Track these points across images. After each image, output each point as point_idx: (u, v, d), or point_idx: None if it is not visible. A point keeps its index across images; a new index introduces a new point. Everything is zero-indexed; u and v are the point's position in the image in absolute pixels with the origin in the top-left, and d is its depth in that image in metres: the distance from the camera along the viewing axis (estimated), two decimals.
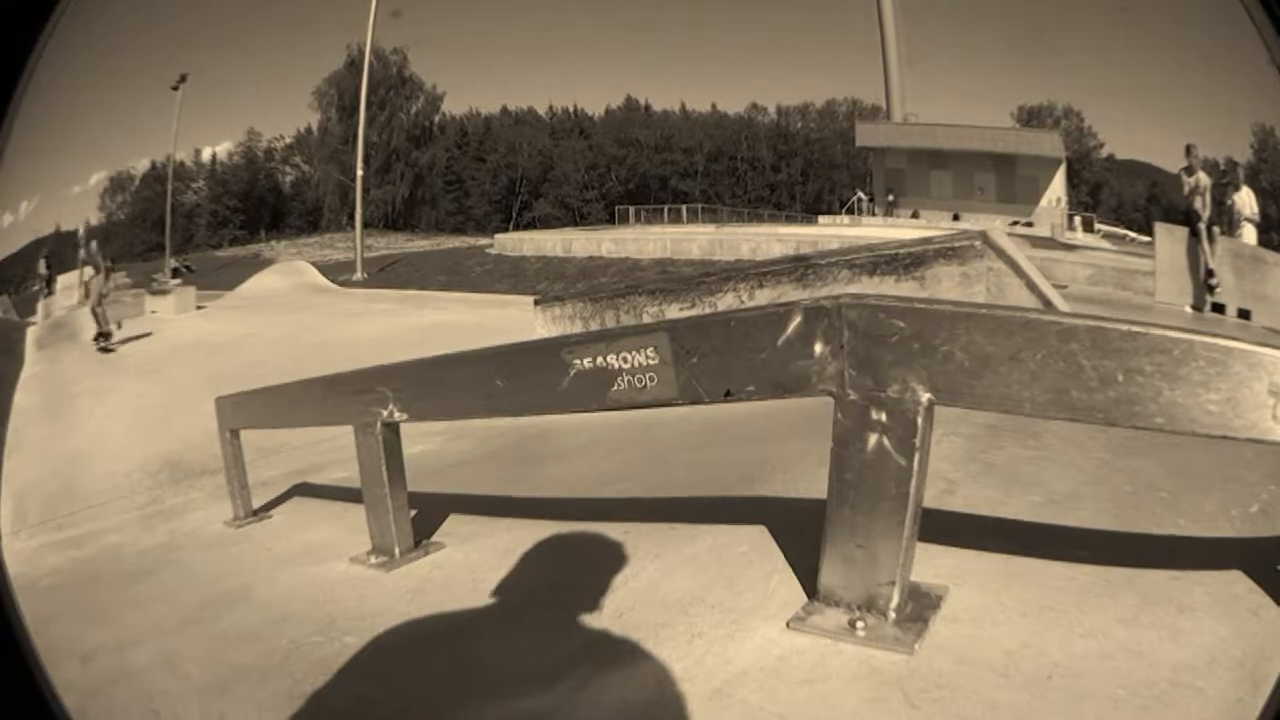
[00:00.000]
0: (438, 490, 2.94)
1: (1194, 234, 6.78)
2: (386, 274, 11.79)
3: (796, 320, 1.51)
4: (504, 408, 1.94)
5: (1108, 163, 13.34)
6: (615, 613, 1.79)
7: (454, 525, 2.59)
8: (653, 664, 1.61)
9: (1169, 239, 7.00)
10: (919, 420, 1.48)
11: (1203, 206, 6.89)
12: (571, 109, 14.39)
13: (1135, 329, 1.42)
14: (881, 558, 1.56)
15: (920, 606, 1.60)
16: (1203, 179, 7.01)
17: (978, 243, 3.01)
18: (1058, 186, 11.47)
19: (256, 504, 3.28)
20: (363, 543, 2.44)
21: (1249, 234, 7.36)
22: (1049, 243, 9.20)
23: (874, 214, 10.77)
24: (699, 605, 1.77)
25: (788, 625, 1.62)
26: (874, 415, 1.51)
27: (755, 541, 2.02)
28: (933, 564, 1.73)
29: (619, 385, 1.70)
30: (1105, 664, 1.49)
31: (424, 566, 2.27)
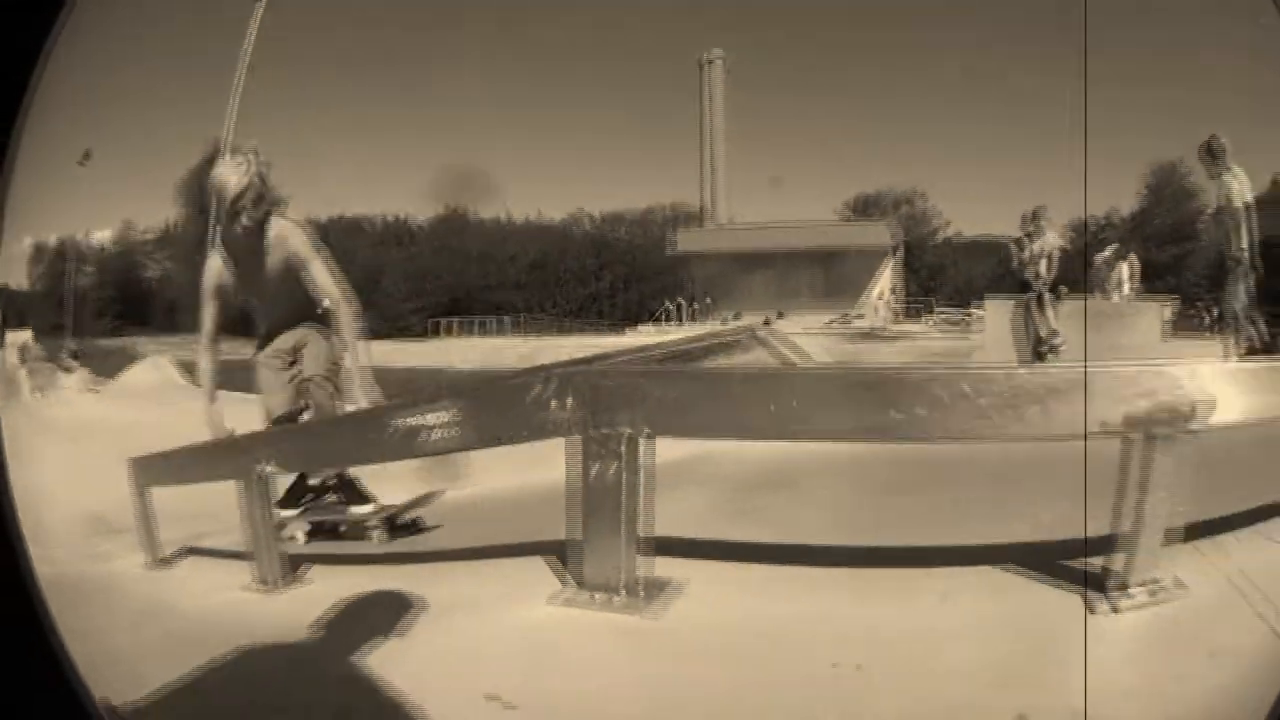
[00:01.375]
0: None
1: (1037, 301, 6.95)
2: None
3: (541, 385, 2.13)
4: (344, 460, 2.50)
5: (952, 243, 13.63)
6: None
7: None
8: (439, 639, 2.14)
9: (997, 311, 7.30)
10: (639, 449, 2.11)
11: (1048, 269, 7.05)
12: (397, 217, 13.82)
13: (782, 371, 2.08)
14: (620, 552, 2.17)
15: (656, 589, 2.20)
16: (1050, 241, 7.17)
17: (745, 337, 3.64)
18: (887, 277, 11.71)
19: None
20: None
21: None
22: (873, 335, 9.53)
23: (694, 319, 10.90)
24: (483, 592, 2.34)
25: (548, 601, 2.20)
26: (606, 447, 2.13)
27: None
28: (680, 569, 2.31)
29: (427, 436, 2.29)
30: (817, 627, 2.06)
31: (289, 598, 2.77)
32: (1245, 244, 5.13)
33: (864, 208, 13.90)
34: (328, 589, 2.76)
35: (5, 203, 1.62)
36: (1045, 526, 2.38)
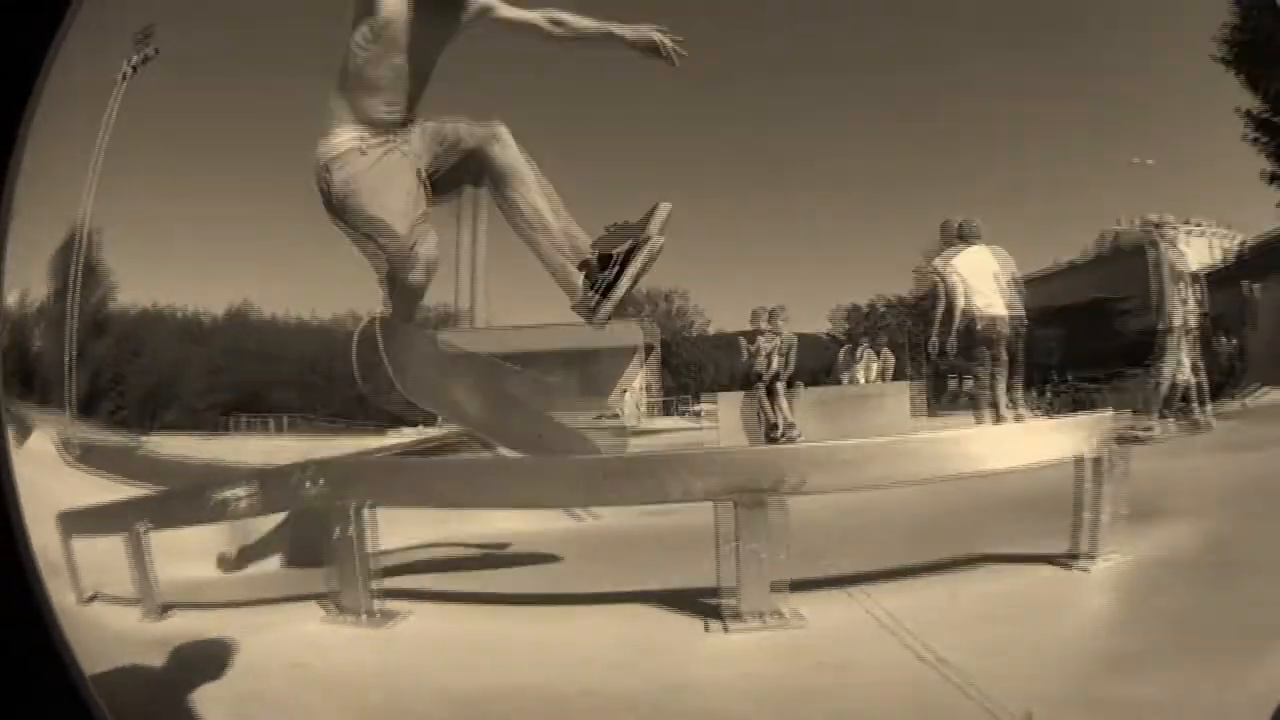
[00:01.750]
0: None
1: (768, 393, 7.18)
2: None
3: (300, 472, 2.97)
4: (187, 520, 3.37)
5: (712, 339, 13.27)
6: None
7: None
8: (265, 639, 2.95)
9: (728, 405, 7.60)
10: (363, 514, 2.93)
11: (783, 364, 7.27)
12: (196, 311, 12.95)
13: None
14: (358, 588, 2.97)
15: (388, 615, 3.01)
16: (785, 337, 7.35)
17: (467, 437, 4.43)
18: (640, 375, 11.65)
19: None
20: None
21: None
22: (626, 431, 9.80)
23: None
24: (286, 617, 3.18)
25: (322, 621, 3.03)
26: (344, 515, 2.95)
27: None
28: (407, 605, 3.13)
29: (236, 505, 3.14)
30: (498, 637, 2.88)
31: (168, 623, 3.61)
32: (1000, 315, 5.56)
33: (620, 307, 13.79)
34: (188, 620, 3.63)
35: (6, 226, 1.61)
36: (691, 576, 3.13)
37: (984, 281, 5.55)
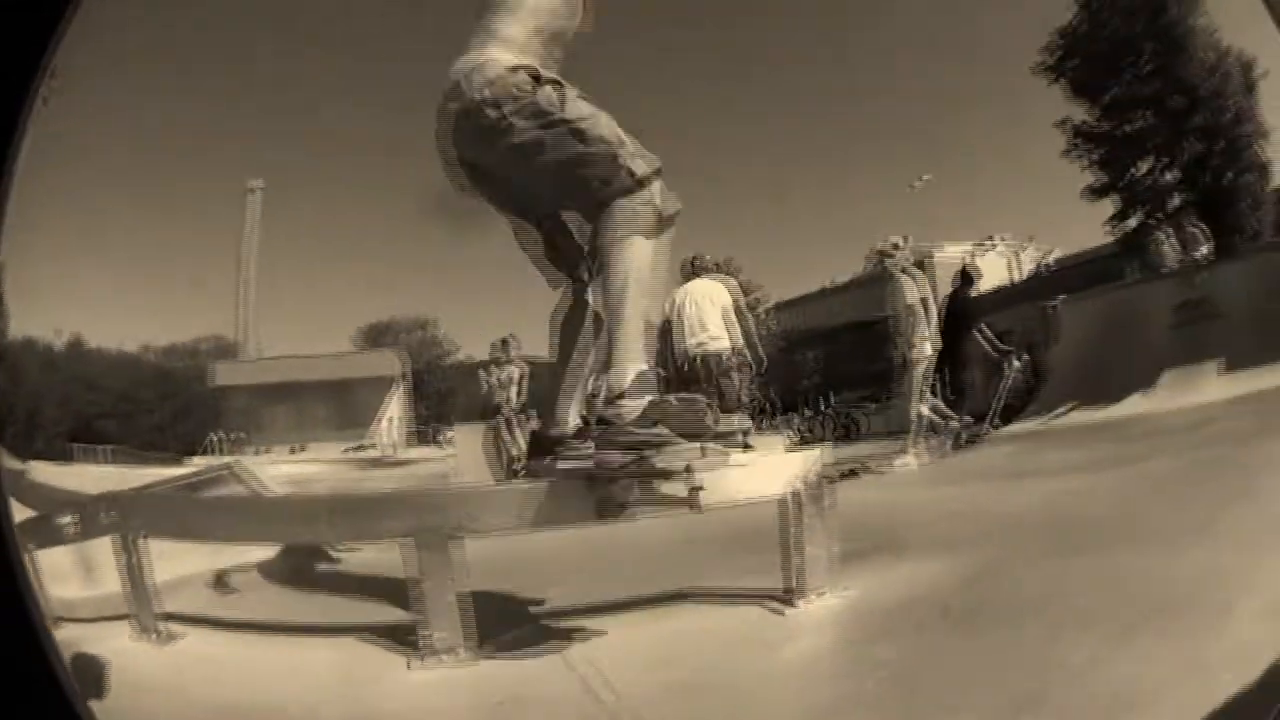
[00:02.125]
0: None
1: (507, 425, 7.18)
2: None
3: (94, 504, 3.53)
4: (48, 543, 4.04)
5: (464, 366, 12.73)
6: None
7: None
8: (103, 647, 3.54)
9: (466, 436, 7.50)
10: (139, 544, 3.44)
11: (517, 394, 7.35)
12: (49, 343, 12.84)
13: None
14: (145, 612, 3.49)
15: (171, 637, 3.50)
16: (519, 367, 7.41)
17: (225, 473, 4.77)
18: (395, 405, 11.79)
19: None
20: None
21: None
22: (380, 462, 9.61)
23: (230, 452, 10.67)
24: (111, 633, 3.73)
25: (129, 639, 3.56)
26: (126, 543, 3.47)
27: None
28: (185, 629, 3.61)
29: (68, 530, 3.76)
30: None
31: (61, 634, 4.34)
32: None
33: (376, 336, 13.55)
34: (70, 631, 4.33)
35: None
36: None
37: (706, 315, 5.54)
